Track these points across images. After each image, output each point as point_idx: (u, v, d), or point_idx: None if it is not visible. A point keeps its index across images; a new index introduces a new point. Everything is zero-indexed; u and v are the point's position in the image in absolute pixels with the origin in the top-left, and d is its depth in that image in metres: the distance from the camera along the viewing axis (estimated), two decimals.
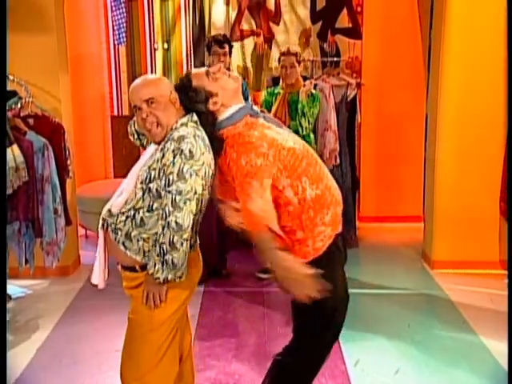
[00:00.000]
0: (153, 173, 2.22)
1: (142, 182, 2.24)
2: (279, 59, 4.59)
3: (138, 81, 2.33)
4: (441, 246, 4.86)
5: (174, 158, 2.15)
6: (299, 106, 4.47)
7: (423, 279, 4.75)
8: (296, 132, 4.54)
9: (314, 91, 4.60)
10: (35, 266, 4.33)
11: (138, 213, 2.24)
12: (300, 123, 4.49)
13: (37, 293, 4.51)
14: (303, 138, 4.55)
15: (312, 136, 4.68)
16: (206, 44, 4.49)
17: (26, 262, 4.27)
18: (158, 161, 2.22)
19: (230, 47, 4.45)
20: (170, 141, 2.20)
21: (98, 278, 2.42)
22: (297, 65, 4.52)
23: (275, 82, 4.87)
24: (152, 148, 2.34)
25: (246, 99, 4.47)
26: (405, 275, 4.83)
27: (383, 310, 4.19)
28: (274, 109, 4.52)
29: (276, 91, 4.65)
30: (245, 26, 6.20)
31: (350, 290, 4.42)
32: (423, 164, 5.25)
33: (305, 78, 5.02)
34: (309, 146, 2.42)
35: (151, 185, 2.21)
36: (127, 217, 2.27)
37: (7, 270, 3.94)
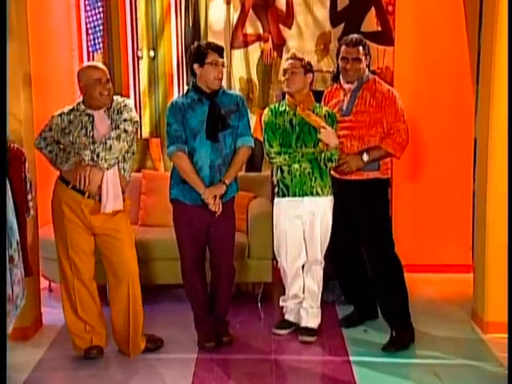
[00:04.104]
0: None
1: None
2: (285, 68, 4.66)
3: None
4: (496, 304, 4.73)
5: None
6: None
7: (473, 346, 4.66)
8: (314, 160, 4.57)
9: (329, 111, 4.64)
10: None
11: None
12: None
13: None
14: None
15: None
16: (196, 52, 4.39)
17: None
18: None
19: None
20: None
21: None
22: (301, 72, 4.57)
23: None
24: None
25: (242, 117, 4.49)
26: (450, 340, 4.74)
27: None
28: (295, 135, 4.57)
29: (282, 109, 4.67)
30: (249, 30, 6.23)
31: (381, 359, 4.41)
32: (472, 200, 5.18)
33: (321, 93, 4.98)
34: None
35: None
36: None
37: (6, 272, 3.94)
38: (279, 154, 4.57)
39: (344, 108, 4.65)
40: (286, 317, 4.92)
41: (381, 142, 4.58)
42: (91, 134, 4.28)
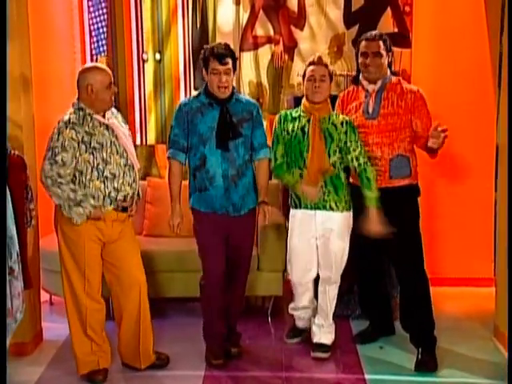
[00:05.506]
0: None
1: None
2: (305, 71, 4.57)
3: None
4: None
5: None
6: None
7: (495, 365, 4.61)
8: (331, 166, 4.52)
9: (346, 118, 4.57)
10: None
11: None
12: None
13: None
14: (361, 172, 4.50)
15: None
16: (202, 58, 4.35)
17: None
18: None
19: (234, 61, 4.34)
20: None
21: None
22: (328, 80, 4.53)
23: (297, 103, 4.84)
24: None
25: (259, 125, 4.47)
26: (471, 359, 4.70)
27: None
28: (311, 140, 4.46)
29: (295, 114, 4.61)
30: (259, 32, 6.23)
31: (398, 377, 4.38)
32: (493, 210, 5.16)
33: (334, 97, 4.97)
34: None
35: None
36: None
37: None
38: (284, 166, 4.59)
39: (370, 110, 4.57)
40: (297, 323, 4.99)
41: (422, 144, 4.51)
42: (124, 152, 4.26)
